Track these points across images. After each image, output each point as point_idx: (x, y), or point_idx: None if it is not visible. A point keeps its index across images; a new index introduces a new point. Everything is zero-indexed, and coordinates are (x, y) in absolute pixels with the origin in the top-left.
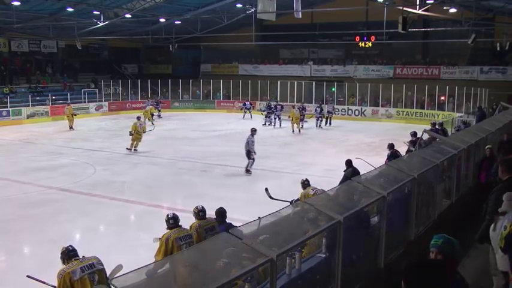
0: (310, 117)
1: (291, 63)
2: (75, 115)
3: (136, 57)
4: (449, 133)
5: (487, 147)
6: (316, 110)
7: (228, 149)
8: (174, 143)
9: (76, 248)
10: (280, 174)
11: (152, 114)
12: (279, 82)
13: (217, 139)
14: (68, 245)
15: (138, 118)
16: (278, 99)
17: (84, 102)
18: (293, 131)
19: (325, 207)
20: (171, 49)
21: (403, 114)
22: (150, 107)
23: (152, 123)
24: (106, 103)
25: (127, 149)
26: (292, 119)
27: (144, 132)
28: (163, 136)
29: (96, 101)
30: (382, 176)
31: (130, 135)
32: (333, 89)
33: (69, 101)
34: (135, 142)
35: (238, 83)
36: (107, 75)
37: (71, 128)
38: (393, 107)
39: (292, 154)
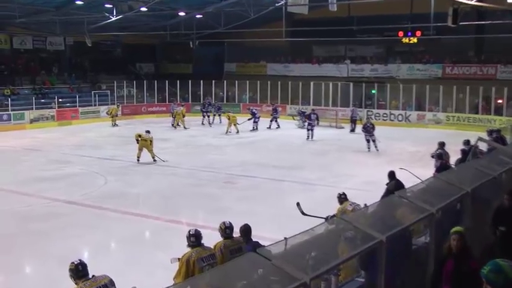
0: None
1: (326, 62)
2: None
3: (153, 55)
4: (508, 141)
5: None
6: (353, 113)
7: (255, 157)
8: (195, 151)
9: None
10: (313, 187)
11: (184, 116)
12: (311, 83)
13: (242, 147)
14: (77, 260)
15: (148, 132)
16: (311, 102)
17: (94, 105)
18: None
19: (364, 225)
20: (191, 46)
21: (453, 119)
22: (182, 108)
23: (185, 127)
24: (115, 106)
25: (137, 160)
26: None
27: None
28: (183, 143)
29: (108, 104)
30: (430, 190)
31: (137, 142)
32: (373, 91)
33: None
34: (150, 153)
35: (266, 84)
36: (120, 75)
37: (115, 124)
38: (442, 112)
39: (327, 164)
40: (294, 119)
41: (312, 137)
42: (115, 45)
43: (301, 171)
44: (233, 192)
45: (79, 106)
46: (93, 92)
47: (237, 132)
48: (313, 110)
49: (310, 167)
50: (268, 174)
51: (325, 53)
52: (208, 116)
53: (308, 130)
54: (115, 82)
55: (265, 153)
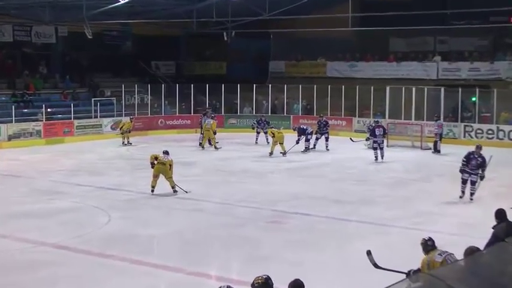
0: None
1: (407, 60)
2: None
3: (174, 50)
4: None
5: None
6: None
7: (309, 189)
8: (228, 179)
9: None
10: (389, 229)
11: (215, 133)
12: (387, 88)
13: (292, 174)
14: None
15: (166, 153)
16: (387, 114)
17: (95, 117)
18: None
19: (462, 283)
20: (225, 39)
21: None
22: (212, 122)
23: (216, 147)
24: (128, 118)
25: (151, 190)
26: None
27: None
28: (213, 168)
29: (113, 116)
30: None
31: (152, 167)
32: (474, 99)
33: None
34: (169, 181)
35: (325, 90)
36: (129, 77)
37: (128, 143)
38: None
39: (407, 198)
40: (367, 142)
41: (382, 158)
42: (123, 37)
43: (372, 208)
44: (280, 236)
45: (74, 118)
46: (93, 99)
47: (284, 153)
48: (377, 122)
49: (384, 201)
50: (327, 212)
51: (407, 48)
52: (264, 133)
53: (375, 149)
54: (123, 86)
55: (322, 182)
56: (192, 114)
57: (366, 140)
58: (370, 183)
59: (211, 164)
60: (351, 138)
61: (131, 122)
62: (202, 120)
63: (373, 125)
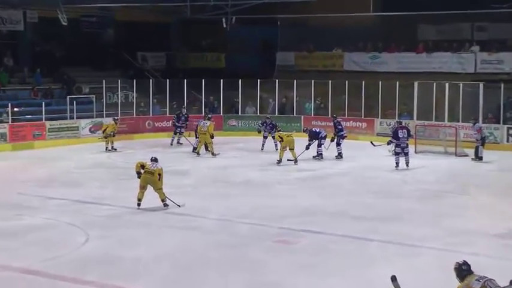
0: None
1: (439, 50)
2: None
3: (165, 39)
4: None
5: None
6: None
7: (323, 202)
8: (228, 191)
9: None
10: (417, 251)
11: (212, 137)
12: (416, 84)
13: (303, 185)
14: None
15: (155, 160)
16: (415, 114)
17: (71, 118)
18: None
19: None
20: (224, 26)
21: None
22: (209, 124)
23: (213, 153)
24: (110, 119)
25: (137, 204)
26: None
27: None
28: (210, 178)
29: (92, 117)
30: None
31: (138, 177)
32: None
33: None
34: (159, 193)
35: (342, 86)
36: (111, 71)
37: (112, 148)
38: None
39: (439, 214)
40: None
41: (406, 165)
42: (104, 23)
43: (398, 225)
44: (288, 258)
45: (46, 119)
46: (68, 97)
47: (295, 161)
48: (399, 122)
49: (411, 218)
50: (344, 229)
51: (438, 36)
52: (272, 137)
53: (397, 154)
54: (104, 82)
55: (339, 195)
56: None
57: (388, 144)
58: (394, 196)
59: (208, 173)
60: (371, 142)
61: (115, 123)
62: (199, 122)
63: (396, 125)
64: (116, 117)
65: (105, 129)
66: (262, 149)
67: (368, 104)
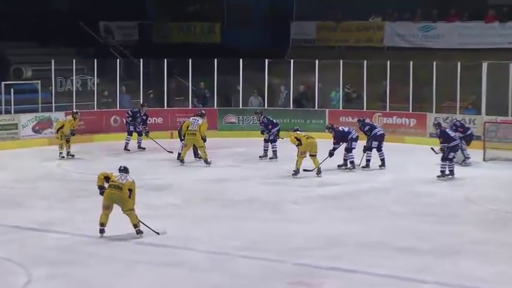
0: None
1: None
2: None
3: (137, 5)
4: None
5: None
6: None
7: (357, 229)
8: (225, 213)
9: None
10: None
11: (204, 139)
12: (484, 65)
13: (329, 204)
14: None
15: (124, 170)
16: (483, 107)
17: (7, 112)
18: None
19: None
20: None
21: None
22: (202, 121)
23: (207, 161)
24: (62, 113)
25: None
26: None
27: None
28: (200, 195)
29: (37, 110)
30: None
31: (100, 193)
32: None
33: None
34: (129, 216)
35: (382, 68)
36: (63, 47)
37: (68, 155)
38: None
39: None
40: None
41: (451, 174)
42: None
43: (460, 261)
44: None
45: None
46: (3, 83)
47: (318, 172)
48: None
49: (479, 251)
50: (386, 267)
51: None
52: (271, 141)
53: (449, 160)
54: (53, 63)
55: (377, 218)
56: (165, 107)
57: (441, 150)
58: (456, 220)
59: (198, 188)
60: (432, 148)
61: (75, 119)
62: (191, 120)
63: (453, 122)
64: (75, 111)
65: (59, 128)
66: (261, 157)
67: (418, 94)
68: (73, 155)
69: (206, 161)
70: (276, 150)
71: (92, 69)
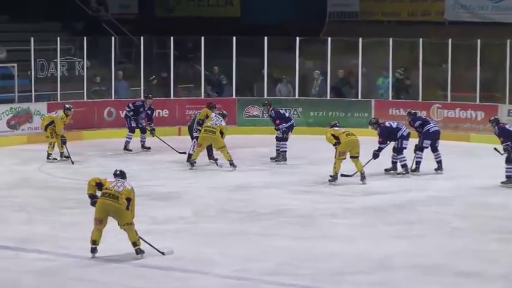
0: None
1: None
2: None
3: None
4: None
5: None
6: None
7: (411, 247)
8: (246, 229)
9: None
10: None
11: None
12: None
13: (376, 218)
14: None
15: (121, 175)
16: None
17: None
18: None
19: None
20: None
21: None
22: (223, 123)
23: (233, 164)
24: (44, 104)
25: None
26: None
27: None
28: (215, 206)
29: (13, 101)
30: None
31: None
32: None
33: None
34: (129, 233)
35: (443, 48)
36: (45, 23)
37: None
38: None
39: None
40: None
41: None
42: None
43: None
44: None
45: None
46: None
47: (362, 177)
48: None
49: None
50: None
51: None
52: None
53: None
54: (32, 41)
55: (436, 237)
56: (171, 97)
57: (505, 151)
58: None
59: (212, 197)
60: (495, 149)
61: (67, 117)
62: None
63: None
64: (68, 106)
65: (49, 125)
66: (273, 159)
67: (488, 79)
68: (68, 156)
69: (232, 163)
70: (285, 151)
71: (81, 50)
